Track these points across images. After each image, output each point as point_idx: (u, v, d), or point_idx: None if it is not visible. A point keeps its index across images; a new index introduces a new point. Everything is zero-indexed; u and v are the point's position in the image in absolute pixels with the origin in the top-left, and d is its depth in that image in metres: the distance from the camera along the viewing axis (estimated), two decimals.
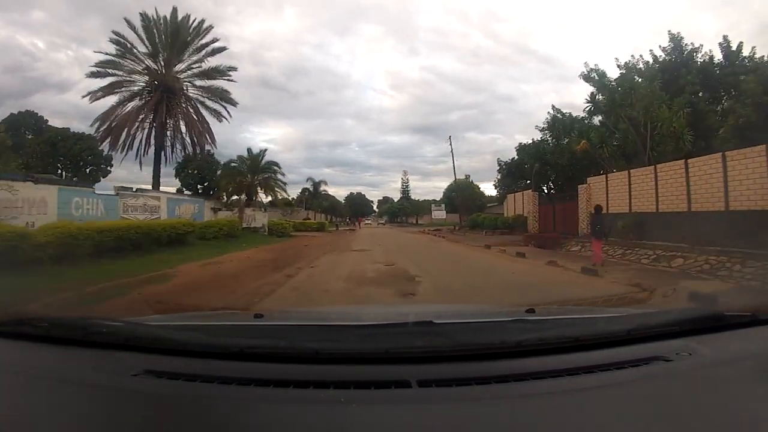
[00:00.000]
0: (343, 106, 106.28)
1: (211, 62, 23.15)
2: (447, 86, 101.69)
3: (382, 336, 1.15)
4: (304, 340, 1.16)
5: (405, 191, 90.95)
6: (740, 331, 1.26)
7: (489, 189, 66.70)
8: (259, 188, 27.02)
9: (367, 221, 79.52)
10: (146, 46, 21.54)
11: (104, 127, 21.25)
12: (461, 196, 47.03)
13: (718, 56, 18.11)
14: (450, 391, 0.94)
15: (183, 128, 23.09)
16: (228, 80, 23.80)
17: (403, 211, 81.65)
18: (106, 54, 21.14)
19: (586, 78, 19.77)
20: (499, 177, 32.76)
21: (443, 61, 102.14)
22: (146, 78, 21.99)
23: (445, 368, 1.02)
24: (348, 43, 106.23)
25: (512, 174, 30.10)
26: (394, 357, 1.05)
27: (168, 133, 22.64)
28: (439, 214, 58.44)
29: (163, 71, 22.09)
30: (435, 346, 1.08)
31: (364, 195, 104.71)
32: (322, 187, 58.77)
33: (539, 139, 26.58)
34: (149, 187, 20.25)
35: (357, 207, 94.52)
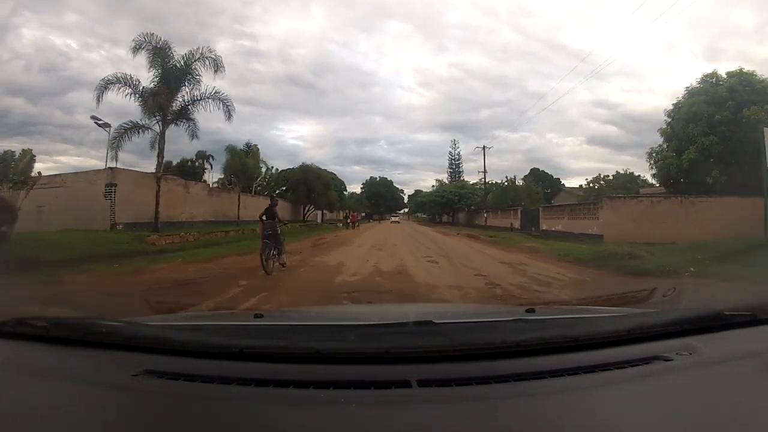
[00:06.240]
0: (372, 103, 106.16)
1: None
2: (476, 83, 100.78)
3: (382, 336, 1.15)
4: (304, 340, 1.16)
5: (455, 169, 63.62)
6: (740, 331, 1.26)
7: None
8: None
9: (393, 218, 60.04)
10: None
11: None
12: None
13: None
14: (450, 391, 0.94)
15: None
16: None
17: (466, 199, 45.19)
18: None
19: None
20: None
21: (472, 58, 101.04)
22: None
23: (445, 368, 1.02)
24: (375, 41, 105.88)
25: None
26: (394, 357, 1.05)
27: None
28: None
29: None
30: (435, 346, 1.07)
31: (391, 182, 76.72)
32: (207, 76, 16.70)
33: None
34: None
35: (380, 198, 70.23)
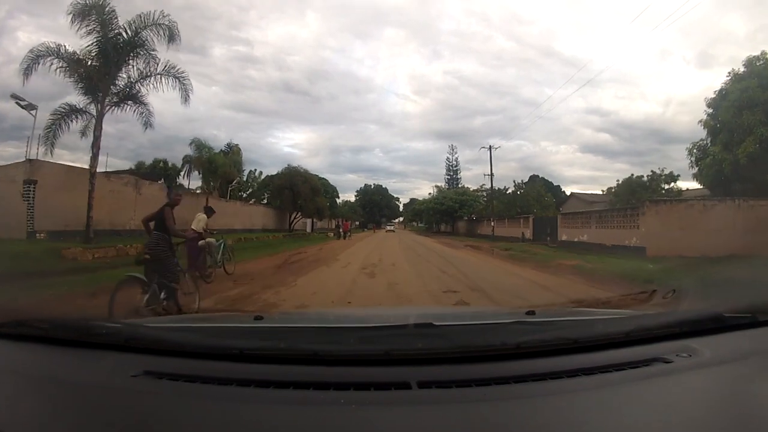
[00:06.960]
0: (366, 111, 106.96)
1: None
2: (470, 90, 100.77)
3: (382, 338, 1.15)
4: (304, 341, 1.16)
5: (453, 175, 61.46)
6: (740, 333, 1.26)
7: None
8: None
9: (389, 227, 56.97)
10: None
11: None
12: None
13: None
14: (450, 392, 0.94)
15: None
16: None
17: (467, 207, 40.60)
18: None
19: None
20: None
21: (466, 65, 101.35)
22: None
23: (445, 370, 1.02)
24: (370, 48, 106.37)
25: None
26: (394, 358, 1.05)
27: None
28: None
29: None
30: (435, 347, 1.08)
31: (386, 189, 75.46)
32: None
33: None
34: None
35: (375, 207, 68.64)
